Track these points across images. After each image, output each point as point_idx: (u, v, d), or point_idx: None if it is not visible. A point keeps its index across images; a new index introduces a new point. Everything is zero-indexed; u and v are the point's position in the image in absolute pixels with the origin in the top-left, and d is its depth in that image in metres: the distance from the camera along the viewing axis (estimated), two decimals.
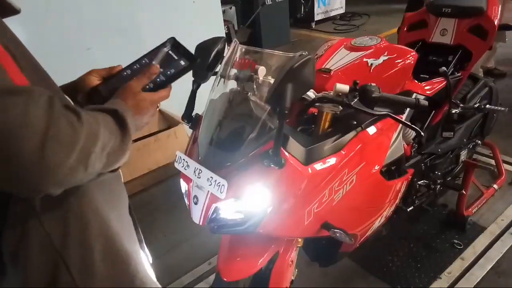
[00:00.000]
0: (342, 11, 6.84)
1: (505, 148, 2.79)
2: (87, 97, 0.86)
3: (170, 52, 0.88)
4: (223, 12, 4.96)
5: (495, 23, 1.92)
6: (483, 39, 1.93)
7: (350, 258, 2.00)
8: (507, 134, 3.02)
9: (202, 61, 1.23)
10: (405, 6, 4.04)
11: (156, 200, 2.67)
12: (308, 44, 5.54)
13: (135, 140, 2.61)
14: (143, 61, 0.88)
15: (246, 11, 5.53)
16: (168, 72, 0.85)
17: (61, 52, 2.44)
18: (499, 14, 1.97)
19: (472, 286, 1.84)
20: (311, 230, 1.27)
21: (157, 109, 0.86)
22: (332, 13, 6.73)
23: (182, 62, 0.86)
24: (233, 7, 5.56)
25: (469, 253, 2.02)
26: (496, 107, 2.13)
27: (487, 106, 2.04)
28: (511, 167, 2.62)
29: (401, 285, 1.88)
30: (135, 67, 0.88)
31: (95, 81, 0.88)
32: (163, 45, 0.90)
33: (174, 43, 0.89)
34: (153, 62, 0.86)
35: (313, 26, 6.51)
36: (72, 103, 0.78)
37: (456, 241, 2.08)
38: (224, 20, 4.49)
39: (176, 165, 1.22)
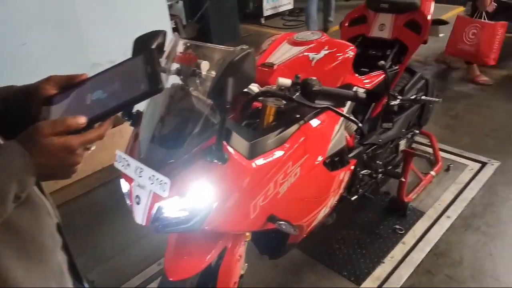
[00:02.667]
0: (290, 7, 6.93)
1: (442, 137, 2.98)
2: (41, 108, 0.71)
3: (137, 69, 0.71)
4: (170, 6, 4.86)
5: (428, 18, 2.03)
6: (417, 33, 2.04)
7: (299, 248, 2.04)
8: (443, 124, 3.22)
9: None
10: (350, 3, 4.16)
11: (102, 202, 2.56)
12: (258, 39, 5.56)
13: None
14: (107, 75, 0.73)
15: (194, 5, 5.44)
16: (118, 98, 0.68)
17: None
18: (432, 9, 2.09)
19: (413, 269, 1.95)
20: (258, 224, 1.28)
21: (88, 152, 0.69)
22: (281, 9, 6.80)
23: (142, 87, 0.68)
24: (180, 2, 5.45)
25: (410, 237, 2.14)
26: (432, 98, 2.27)
27: (423, 97, 2.17)
28: (447, 155, 2.81)
29: (347, 271, 1.95)
30: (97, 81, 0.73)
31: (51, 90, 0.73)
32: (136, 57, 0.74)
33: (147, 58, 0.72)
34: (122, 77, 0.71)
35: (263, 22, 6.55)
36: None
37: (397, 227, 2.19)
38: (172, 15, 4.39)
39: (116, 164, 1.17)
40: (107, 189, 2.65)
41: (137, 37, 1.22)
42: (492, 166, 2.65)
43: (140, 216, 1.15)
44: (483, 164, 2.69)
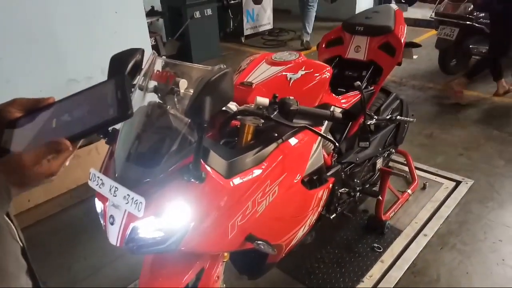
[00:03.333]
0: (270, 27, 7.06)
1: (417, 155, 3.04)
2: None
3: (107, 93, 0.70)
4: (150, 23, 4.88)
5: (402, 41, 2.10)
6: (391, 55, 2.11)
7: (278, 267, 2.02)
8: (418, 143, 3.30)
9: (119, 72, 1.18)
10: (327, 24, 4.26)
11: (76, 221, 2.48)
12: (238, 58, 5.62)
13: None
14: (75, 99, 0.71)
15: (175, 23, 5.47)
16: (86, 122, 0.67)
17: None
18: (404, 32, 2.16)
19: (392, 287, 1.96)
20: (236, 244, 1.26)
21: (62, 170, 0.68)
22: (261, 29, 6.92)
23: (111, 112, 0.67)
24: (161, 19, 5.47)
25: (388, 256, 2.15)
26: (407, 118, 2.33)
27: (398, 117, 2.22)
28: (423, 173, 2.86)
29: None
30: (64, 104, 0.71)
31: (15, 113, 0.70)
32: (107, 82, 0.74)
33: (118, 83, 0.72)
34: (91, 101, 0.70)
35: (243, 41, 6.64)
36: None
37: (376, 245, 2.21)
38: (152, 32, 4.40)
39: (90, 183, 1.14)
40: (82, 208, 2.58)
41: (114, 55, 1.22)
42: (466, 185, 2.71)
43: (114, 236, 1.12)
44: (458, 183, 2.75)
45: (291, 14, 7.89)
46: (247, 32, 6.69)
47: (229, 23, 6.61)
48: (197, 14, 5.41)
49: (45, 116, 0.70)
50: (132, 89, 1.25)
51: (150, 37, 3.50)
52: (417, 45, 2.35)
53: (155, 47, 4.72)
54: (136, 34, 3.08)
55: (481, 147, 3.20)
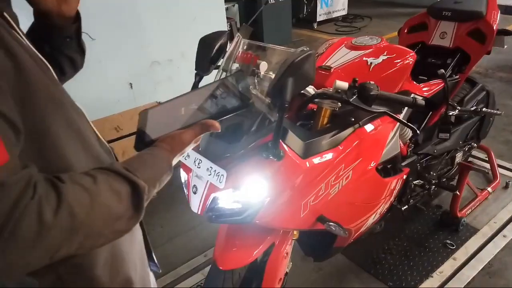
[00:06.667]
0: (344, 12, 6.87)
1: (500, 152, 2.83)
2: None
3: (230, 86, 0.83)
4: (226, 9, 4.99)
5: (494, 27, 1.95)
6: (481, 43, 1.97)
7: (344, 254, 2.03)
8: (503, 139, 3.05)
9: (205, 54, 1.26)
10: (407, 10, 4.04)
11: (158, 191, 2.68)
12: (310, 44, 5.56)
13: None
14: (200, 92, 0.83)
15: (249, 9, 5.55)
16: (218, 107, 0.79)
17: None
18: (498, 19, 2.00)
19: (463, 286, 1.87)
20: (307, 223, 1.30)
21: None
22: (334, 15, 6.76)
23: (235, 102, 0.80)
24: (236, 5, 5.57)
25: (461, 254, 2.05)
26: (493, 111, 2.17)
27: (484, 109, 2.08)
28: (506, 172, 2.66)
29: (393, 282, 1.91)
30: (194, 96, 0.83)
31: None
32: (229, 77, 0.87)
33: (238, 78, 0.85)
34: (215, 93, 0.82)
35: (315, 27, 6.54)
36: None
37: (448, 242, 2.11)
38: (227, 18, 4.52)
39: None
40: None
41: (202, 36, 1.30)
42: None
43: (196, 205, 1.21)
44: None
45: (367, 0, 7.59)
46: (320, 18, 6.57)
47: (303, 9, 6.52)
48: (272, 0, 5.43)
49: (175, 107, 0.81)
50: (217, 71, 1.33)
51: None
52: (510, 33, 2.17)
53: (229, 33, 4.83)
54: (214, 20, 3.19)
55: None
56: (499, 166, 2.64)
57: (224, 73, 1.31)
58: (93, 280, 0.71)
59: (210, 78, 1.28)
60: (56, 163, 0.61)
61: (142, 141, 0.73)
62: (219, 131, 0.76)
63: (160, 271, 1.04)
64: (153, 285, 0.98)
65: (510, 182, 2.52)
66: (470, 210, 2.26)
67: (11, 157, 0.50)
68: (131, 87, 2.86)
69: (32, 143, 0.57)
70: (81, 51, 0.90)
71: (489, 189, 2.38)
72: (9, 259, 0.49)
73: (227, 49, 1.32)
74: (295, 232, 1.44)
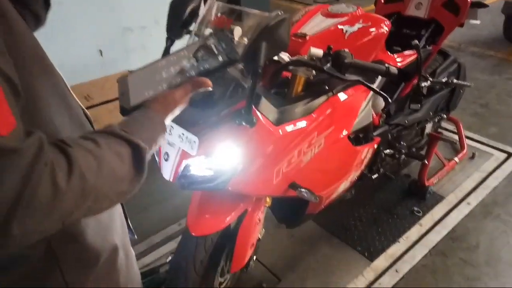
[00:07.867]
0: None
1: (469, 124, 2.92)
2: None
3: (212, 45, 0.78)
4: None
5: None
6: (455, 14, 1.98)
7: (315, 221, 2.08)
8: (471, 112, 3.15)
9: (177, 17, 1.21)
10: None
11: None
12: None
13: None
14: (180, 54, 0.78)
15: None
16: (201, 68, 0.76)
17: None
18: None
19: (428, 250, 1.97)
20: (279, 189, 1.31)
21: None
22: None
23: (220, 58, 0.76)
24: None
25: (427, 220, 2.14)
26: (464, 82, 2.22)
27: (455, 81, 2.12)
28: (473, 143, 2.76)
29: (362, 247, 1.98)
30: (177, 57, 0.78)
31: None
32: (209, 36, 0.81)
33: (221, 36, 0.81)
34: (191, 55, 0.77)
35: None
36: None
37: (416, 209, 2.20)
38: None
39: None
40: None
41: (173, 0, 1.25)
42: None
43: (168, 172, 1.20)
44: (510, 155, 2.63)
45: None
46: None
47: None
48: None
49: (155, 70, 0.76)
50: (189, 36, 1.28)
51: None
52: (484, 5, 2.19)
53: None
54: None
55: None
56: (467, 137, 2.73)
57: (197, 38, 1.27)
58: (86, 249, 0.70)
59: (182, 42, 1.25)
60: (45, 130, 0.58)
61: (128, 105, 0.71)
62: (211, 88, 0.74)
63: (136, 237, 1.03)
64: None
65: (476, 153, 2.62)
66: (437, 179, 2.35)
67: (18, 122, 0.48)
68: (101, 54, 2.75)
69: (25, 107, 0.54)
70: (47, 6, 0.83)
71: (456, 159, 2.47)
72: (27, 226, 0.48)
73: (199, 13, 1.27)
74: (267, 199, 1.45)
